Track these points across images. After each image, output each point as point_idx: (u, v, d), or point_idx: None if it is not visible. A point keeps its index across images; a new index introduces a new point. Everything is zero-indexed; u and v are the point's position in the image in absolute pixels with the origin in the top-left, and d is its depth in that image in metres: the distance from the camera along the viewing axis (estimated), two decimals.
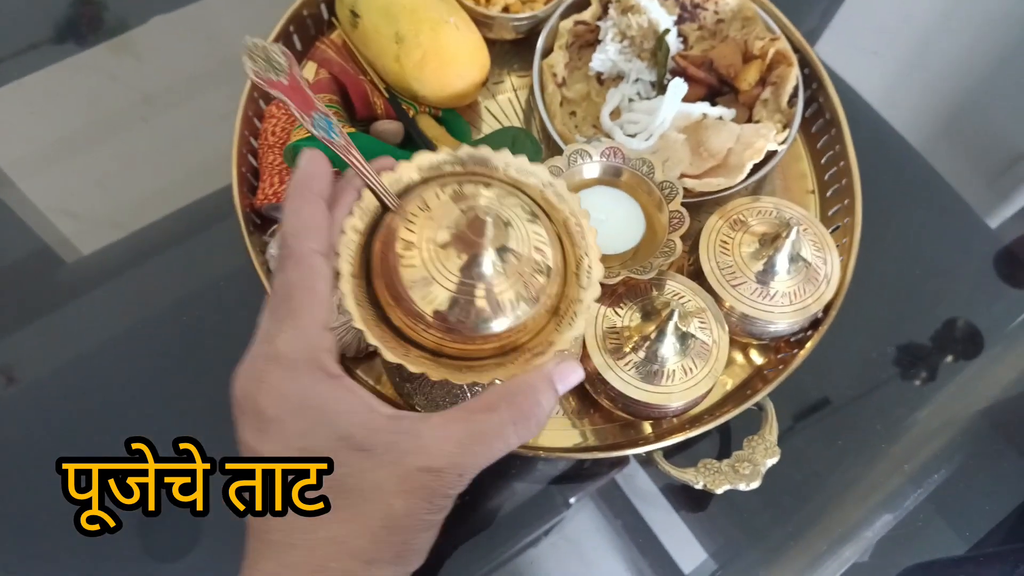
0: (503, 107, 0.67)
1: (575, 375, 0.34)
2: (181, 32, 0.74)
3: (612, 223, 0.56)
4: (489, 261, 0.34)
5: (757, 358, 0.59)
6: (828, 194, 0.65)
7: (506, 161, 0.39)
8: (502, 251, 0.34)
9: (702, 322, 0.53)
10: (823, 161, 0.66)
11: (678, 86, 0.60)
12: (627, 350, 0.52)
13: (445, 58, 0.59)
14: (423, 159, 0.38)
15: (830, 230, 0.60)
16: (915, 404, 0.62)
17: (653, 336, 0.51)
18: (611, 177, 0.58)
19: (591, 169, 0.58)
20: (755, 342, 0.59)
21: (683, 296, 0.54)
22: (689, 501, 0.57)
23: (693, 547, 0.57)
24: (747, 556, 0.57)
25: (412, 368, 0.34)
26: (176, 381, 0.58)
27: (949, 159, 0.74)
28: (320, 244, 0.34)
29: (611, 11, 0.65)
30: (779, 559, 0.57)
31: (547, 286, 0.36)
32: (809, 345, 0.56)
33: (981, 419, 0.63)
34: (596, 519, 0.57)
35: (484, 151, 0.39)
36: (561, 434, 0.56)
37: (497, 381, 0.35)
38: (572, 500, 0.57)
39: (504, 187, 0.38)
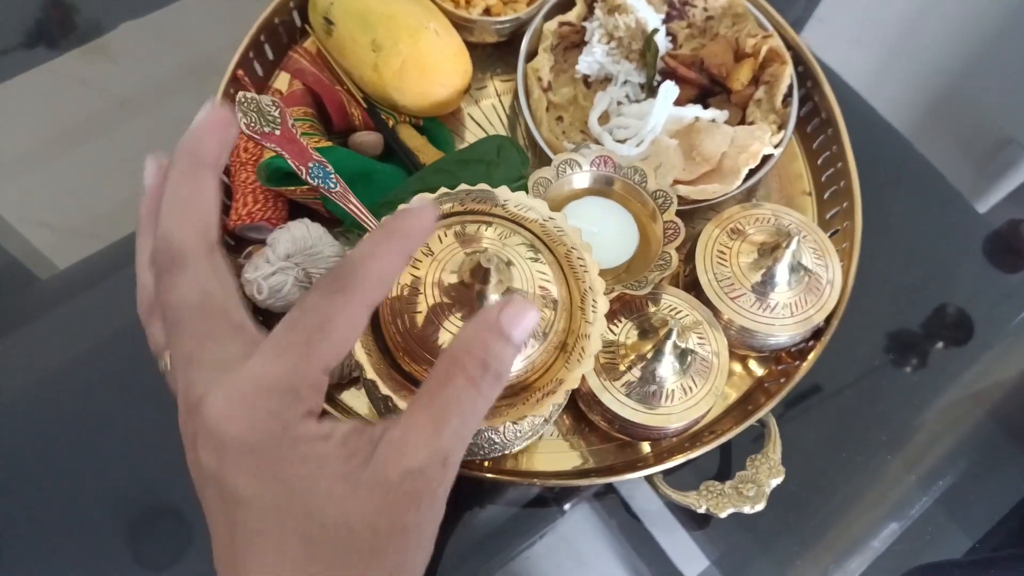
0: (487, 113, 0.64)
1: (527, 316, 0.31)
2: (151, 38, 0.72)
3: (604, 236, 0.53)
4: None
5: (757, 369, 0.57)
6: (826, 196, 0.63)
7: (505, 197, 0.40)
8: (507, 295, 0.35)
9: (700, 336, 0.51)
10: (819, 162, 0.64)
11: (669, 89, 0.58)
12: (623, 369, 0.50)
13: (425, 66, 0.56)
14: (423, 200, 0.39)
15: (829, 234, 0.58)
16: (918, 403, 0.61)
17: (650, 356, 0.49)
18: (602, 187, 0.55)
19: (581, 179, 0.55)
20: (754, 354, 0.57)
21: (679, 310, 0.52)
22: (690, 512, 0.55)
23: (696, 556, 0.55)
24: (753, 567, 0.55)
25: None
26: (153, 394, 0.56)
27: (937, 146, 0.72)
28: (204, 234, 0.30)
29: (597, 11, 0.62)
30: (785, 572, 0.55)
31: (554, 322, 0.37)
32: (812, 356, 0.54)
33: (984, 416, 0.61)
34: (594, 525, 0.55)
35: (483, 188, 0.40)
36: (559, 456, 0.54)
37: (509, 424, 0.36)
38: (567, 507, 0.55)
39: (505, 224, 0.39)
